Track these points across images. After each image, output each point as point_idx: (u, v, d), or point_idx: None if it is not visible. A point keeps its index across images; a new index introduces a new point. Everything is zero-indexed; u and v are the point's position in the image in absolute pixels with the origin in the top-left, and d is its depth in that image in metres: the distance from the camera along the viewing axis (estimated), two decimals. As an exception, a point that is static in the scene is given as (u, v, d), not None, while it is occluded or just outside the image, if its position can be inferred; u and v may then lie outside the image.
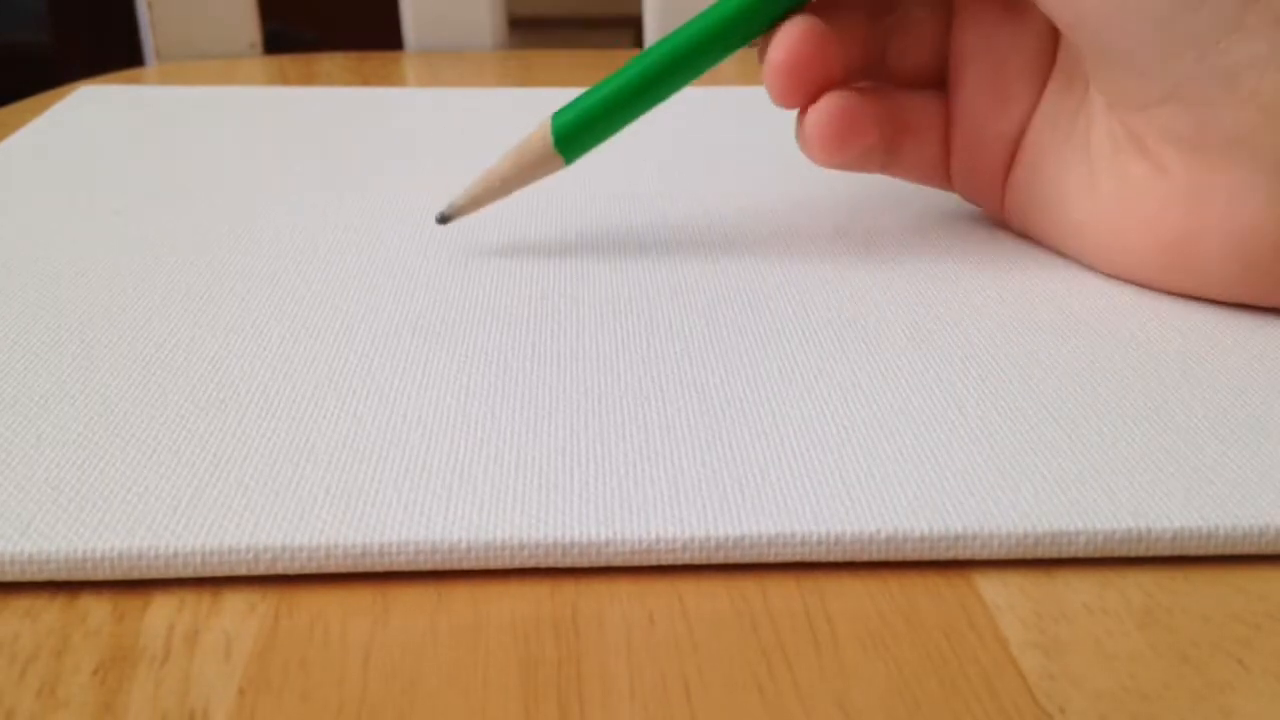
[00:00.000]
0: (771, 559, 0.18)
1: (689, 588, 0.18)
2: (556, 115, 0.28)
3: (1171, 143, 0.25)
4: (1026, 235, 0.30)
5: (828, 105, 0.27)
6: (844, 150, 0.27)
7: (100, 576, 0.18)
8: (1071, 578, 0.18)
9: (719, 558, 0.18)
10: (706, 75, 0.50)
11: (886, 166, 0.29)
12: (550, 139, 0.28)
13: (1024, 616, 0.18)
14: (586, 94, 0.28)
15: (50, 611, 0.18)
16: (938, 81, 0.29)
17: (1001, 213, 0.30)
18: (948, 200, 0.33)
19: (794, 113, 0.28)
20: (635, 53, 0.55)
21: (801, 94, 0.27)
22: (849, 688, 0.16)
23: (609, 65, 0.53)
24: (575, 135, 0.28)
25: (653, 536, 0.18)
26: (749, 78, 0.50)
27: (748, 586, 0.18)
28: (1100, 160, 0.27)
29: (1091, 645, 0.17)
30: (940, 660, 0.17)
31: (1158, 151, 0.25)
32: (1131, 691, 0.16)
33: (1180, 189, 0.25)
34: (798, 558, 0.18)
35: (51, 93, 0.46)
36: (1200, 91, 0.24)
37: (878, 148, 0.28)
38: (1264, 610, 0.18)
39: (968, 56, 0.28)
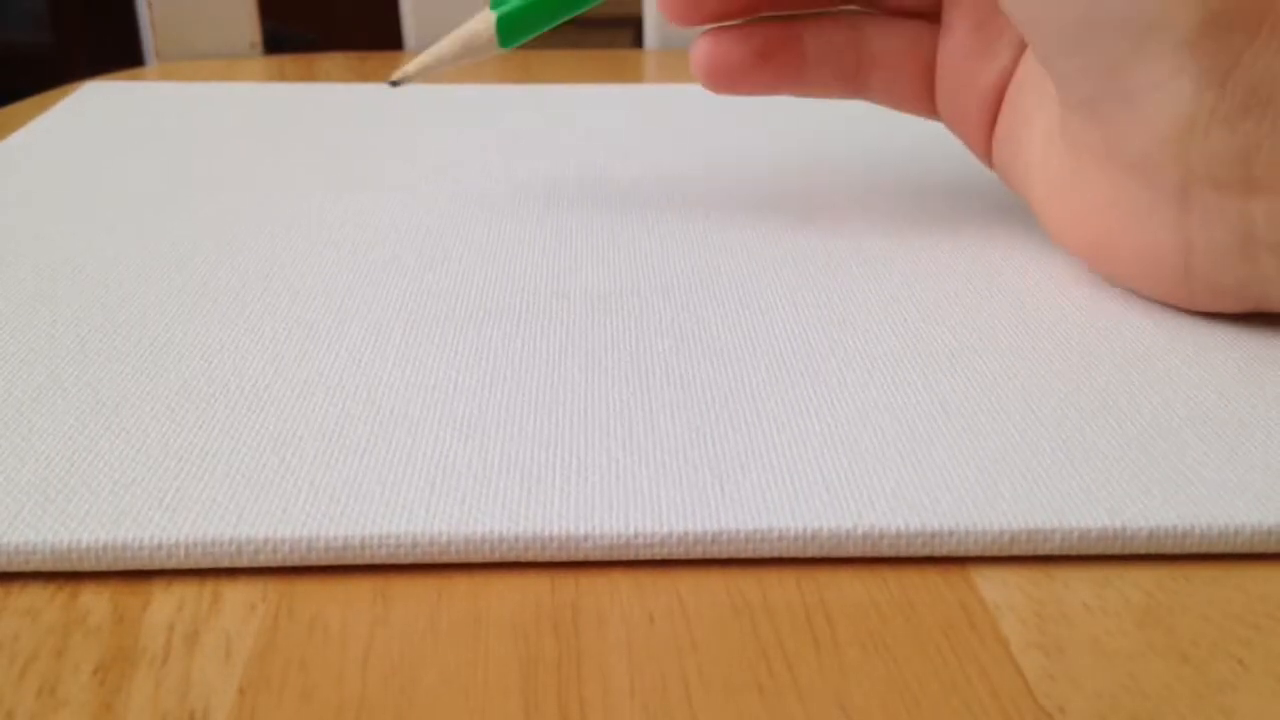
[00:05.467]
0: (750, 554, 0.19)
1: (689, 587, 0.18)
2: (496, 3, 0.30)
3: (1089, 151, 0.25)
4: (1009, 187, 0.30)
5: (703, 46, 0.27)
6: (730, 89, 0.27)
7: (86, 567, 0.18)
8: (1071, 578, 0.18)
9: (697, 552, 0.19)
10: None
11: (850, 95, 0.29)
12: (493, 29, 0.30)
13: (1024, 616, 0.18)
14: None
15: (50, 611, 0.18)
16: (930, 12, 0.29)
17: (989, 159, 0.30)
18: (942, 199, 0.33)
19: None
20: (636, 52, 0.55)
21: (688, 15, 0.27)
22: (849, 687, 0.16)
23: (609, 65, 0.53)
24: (515, 27, 0.30)
25: (631, 531, 0.18)
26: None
27: (747, 586, 0.18)
28: (1052, 143, 0.26)
29: (1091, 645, 0.17)
30: (940, 660, 0.17)
31: (1083, 155, 0.25)
32: (1131, 691, 0.16)
33: (1098, 196, 0.25)
34: (775, 553, 0.19)
35: (53, 92, 0.46)
36: (1109, 110, 0.24)
37: (795, 81, 0.28)
38: (1264, 610, 0.18)
39: (958, 1, 0.28)
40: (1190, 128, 0.23)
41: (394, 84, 0.32)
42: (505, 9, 0.30)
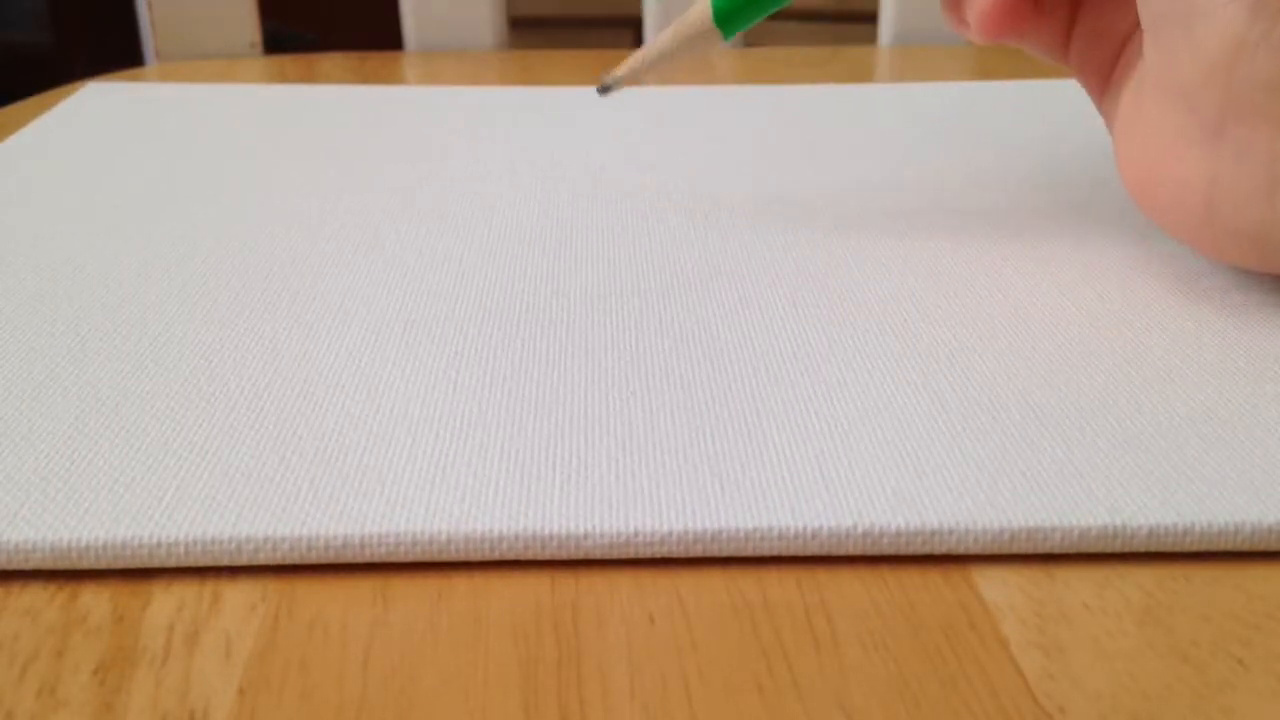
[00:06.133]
0: (750, 553, 0.19)
1: (689, 587, 0.18)
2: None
3: (1149, 79, 0.26)
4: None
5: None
6: (997, 34, 0.28)
7: (86, 565, 0.18)
8: (1071, 578, 0.18)
9: (697, 551, 0.19)
10: (702, 74, 0.50)
11: (1018, 40, 0.30)
12: (710, 14, 0.29)
13: (1024, 616, 0.18)
14: None
15: (50, 611, 0.18)
16: None
17: (1101, 99, 0.30)
18: (942, 199, 0.33)
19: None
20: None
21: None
22: (849, 687, 0.16)
23: (609, 65, 0.52)
24: (734, 12, 0.29)
25: (631, 530, 0.18)
26: (746, 78, 0.50)
27: (747, 586, 0.18)
28: (1133, 84, 0.27)
29: (1091, 645, 0.17)
30: (940, 660, 0.17)
31: (1145, 85, 0.26)
32: (1131, 691, 0.16)
33: (1149, 126, 0.26)
34: (775, 551, 0.19)
35: (53, 92, 0.46)
36: (1169, 33, 0.24)
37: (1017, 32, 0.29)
38: (1264, 610, 0.18)
39: None
40: (1237, 54, 0.23)
41: (603, 90, 0.30)
42: None
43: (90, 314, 0.26)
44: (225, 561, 0.18)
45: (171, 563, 0.18)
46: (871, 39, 0.60)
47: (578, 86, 0.46)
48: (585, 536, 0.18)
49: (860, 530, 0.19)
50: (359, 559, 0.18)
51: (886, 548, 0.19)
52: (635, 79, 0.30)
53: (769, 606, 0.18)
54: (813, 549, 0.19)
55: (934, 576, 0.18)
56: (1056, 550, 0.19)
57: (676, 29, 0.29)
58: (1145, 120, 0.26)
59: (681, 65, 0.30)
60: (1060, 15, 0.30)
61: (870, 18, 0.60)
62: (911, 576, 0.18)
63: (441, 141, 0.39)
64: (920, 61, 0.52)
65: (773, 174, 0.35)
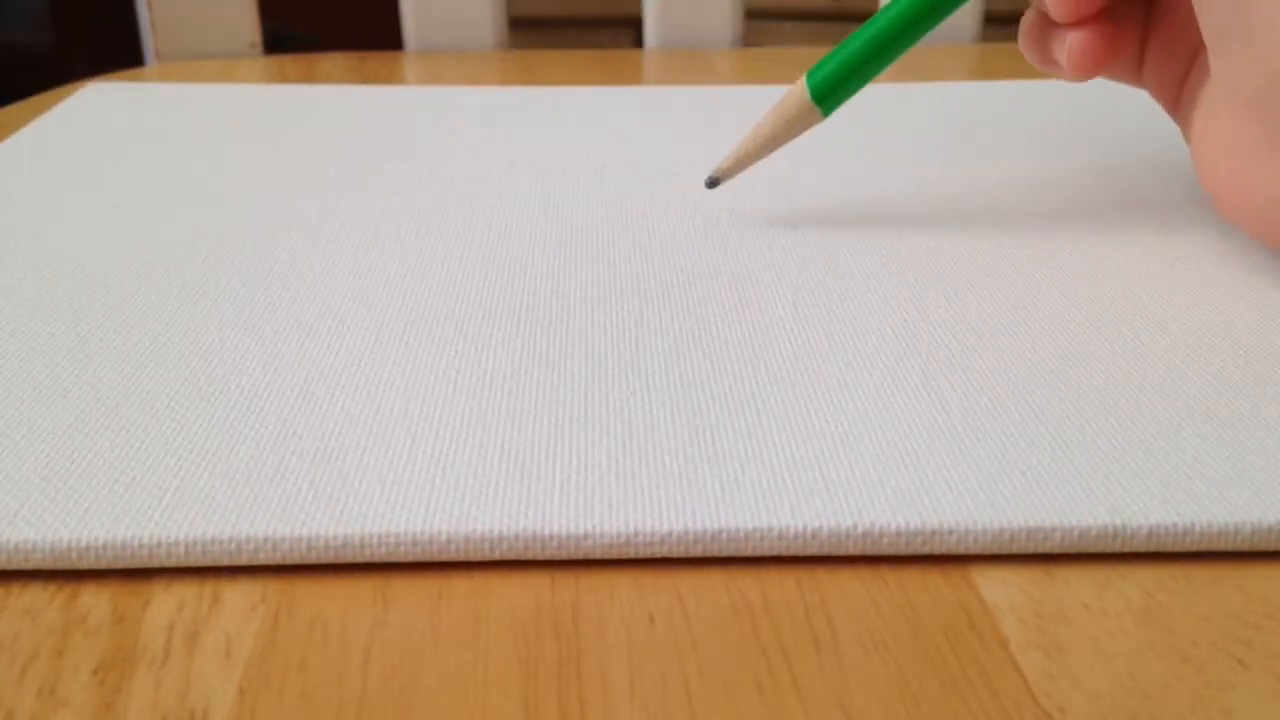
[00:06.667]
0: (750, 552, 0.19)
1: (689, 587, 0.18)
2: (810, 73, 0.30)
3: (1218, 88, 0.26)
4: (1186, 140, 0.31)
5: (1092, 32, 0.28)
6: (1096, 73, 0.29)
7: (86, 565, 0.18)
8: (1071, 578, 0.18)
9: (697, 551, 0.19)
10: (709, 74, 0.50)
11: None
12: (807, 95, 0.30)
13: (1024, 616, 0.18)
14: (836, 50, 0.30)
15: (50, 611, 0.18)
16: None
17: (1176, 112, 0.31)
18: (942, 199, 0.33)
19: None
20: (636, 52, 0.55)
21: (1081, 12, 0.28)
22: (849, 687, 0.16)
23: (609, 65, 0.53)
24: (831, 89, 0.30)
25: (631, 530, 0.18)
26: (746, 78, 0.50)
27: (747, 586, 0.18)
28: (1204, 98, 0.28)
29: (1091, 645, 0.17)
30: (940, 660, 0.17)
31: (1215, 94, 0.27)
32: (1131, 691, 0.16)
33: (1223, 134, 0.26)
34: (775, 551, 0.19)
35: (53, 92, 0.46)
36: (1233, 44, 0.24)
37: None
38: (1264, 610, 0.18)
39: None
40: None
41: (711, 184, 0.31)
42: (818, 73, 0.30)
43: (90, 314, 0.26)
44: (225, 561, 0.18)
45: (171, 563, 0.18)
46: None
47: (578, 86, 0.46)
48: (585, 536, 0.18)
49: (860, 530, 0.19)
50: (359, 559, 0.18)
51: (886, 548, 0.19)
52: (741, 167, 0.31)
53: (769, 606, 0.18)
54: (813, 549, 0.19)
55: (934, 576, 0.18)
56: (1056, 550, 0.19)
57: (777, 113, 0.30)
58: (1218, 132, 0.27)
59: (782, 147, 0.31)
60: (1134, 39, 0.30)
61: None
62: (911, 576, 0.18)
63: (441, 141, 0.39)
64: (920, 61, 0.52)
65: (773, 174, 0.35)
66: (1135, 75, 0.31)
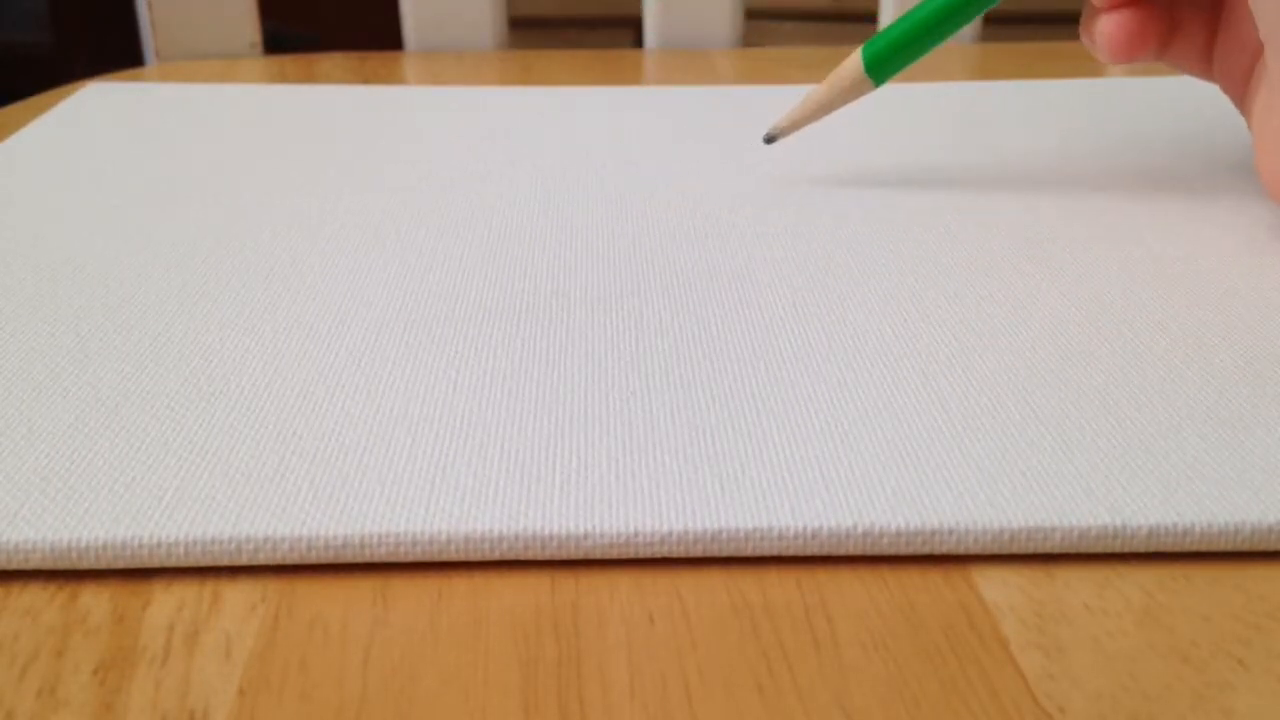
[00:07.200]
0: (750, 553, 0.19)
1: (689, 587, 0.18)
2: (866, 46, 0.32)
3: (1277, 85, 0.27)
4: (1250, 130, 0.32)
5: (1119, 19, 0.30)
6: (1127, 58, 0.30)
7: (86, 565, 0.18)
8: (1071, 578, 0.18)
9: (697, 551, 0.19)
10: (709, 74, 0.50)
11: (1159, 58, 0.32)
12: (861, 65, 0.32)
13: (1024, 616, 0.18)
14: (890, 26, 0.32)
15: (50, 611, 0.18)
16: None
17: (1242, 104, 0.32)
18: (941, 199, 0.33)
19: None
20: (636, 52, 0.55)
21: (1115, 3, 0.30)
22: (849, 687, 0.16)
23: (609, 65, 0.52)
24: (883, 61, 0.32)
25: (631, 530, 0.18)
26: (746, 78, 0.50)
27: (748, 586, 0.18)
28: (1264, 91, 0.29)
29: (1091, 645, 0.17)
30: (940, 660, 0.17)
31: (1274, 91, 0.28)
32: (1131, 691, 0.16)
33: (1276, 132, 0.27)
34: (775, 551, 0.19)
35: (53, 92, 0.46)
36: None
37: (1152, 52, 0.31)
38: (1264, 610, 0.18)
39: None
40: None
41: (769, 139, 0.34)
42: (873, 47, 0.32)
43: (90, 314, 0.26)
44: (225, 561, 0.18)
45: (171, 563, 0.18)
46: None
47: (578, 86, 0.46)
48: (585, 536, 0.18)
49: (860, 530, 0.19)
50: (359, 559, 0.18)
51: (886, 548, 0.19)
52: (796, 128, 0.34)
53: (769, 607, 0.18)
54: (813, 549, 0.19)
55: (934, 576, 0.18)
56: (1056, 550, 0.19)
57: (831, 81, 0.33)
58: (1275, 125, 0.28)
59: (836, 112, 0.34)
60: (1201, 34, 0.32)
61: (870, 18, 0.60)
62: (911, 576, 0.18)
63: (441, 141, 0.39)
64: (920, 61, 0.52)
65: (773, 174, 0.35)
66: (1205, 69, 0.32)
